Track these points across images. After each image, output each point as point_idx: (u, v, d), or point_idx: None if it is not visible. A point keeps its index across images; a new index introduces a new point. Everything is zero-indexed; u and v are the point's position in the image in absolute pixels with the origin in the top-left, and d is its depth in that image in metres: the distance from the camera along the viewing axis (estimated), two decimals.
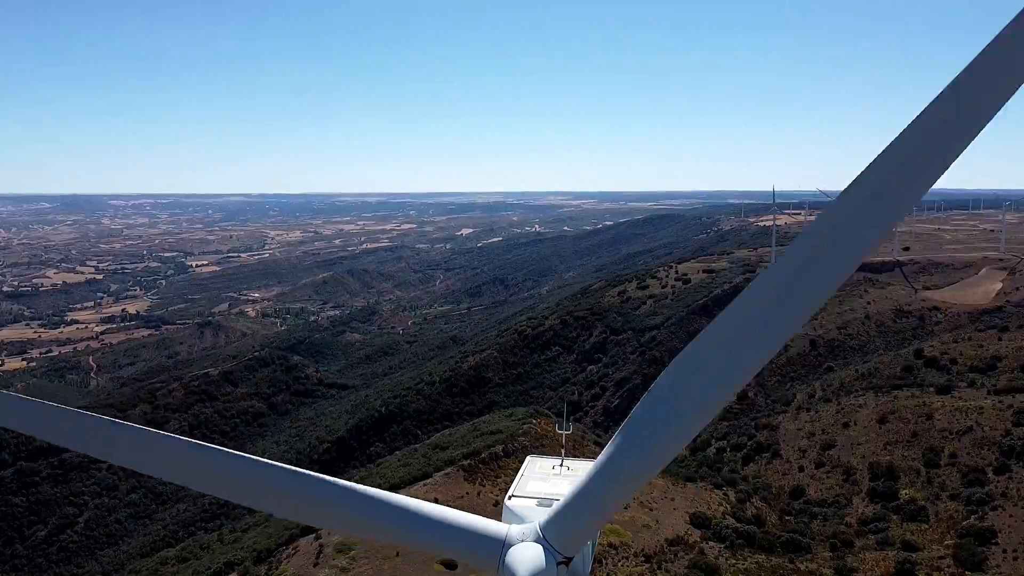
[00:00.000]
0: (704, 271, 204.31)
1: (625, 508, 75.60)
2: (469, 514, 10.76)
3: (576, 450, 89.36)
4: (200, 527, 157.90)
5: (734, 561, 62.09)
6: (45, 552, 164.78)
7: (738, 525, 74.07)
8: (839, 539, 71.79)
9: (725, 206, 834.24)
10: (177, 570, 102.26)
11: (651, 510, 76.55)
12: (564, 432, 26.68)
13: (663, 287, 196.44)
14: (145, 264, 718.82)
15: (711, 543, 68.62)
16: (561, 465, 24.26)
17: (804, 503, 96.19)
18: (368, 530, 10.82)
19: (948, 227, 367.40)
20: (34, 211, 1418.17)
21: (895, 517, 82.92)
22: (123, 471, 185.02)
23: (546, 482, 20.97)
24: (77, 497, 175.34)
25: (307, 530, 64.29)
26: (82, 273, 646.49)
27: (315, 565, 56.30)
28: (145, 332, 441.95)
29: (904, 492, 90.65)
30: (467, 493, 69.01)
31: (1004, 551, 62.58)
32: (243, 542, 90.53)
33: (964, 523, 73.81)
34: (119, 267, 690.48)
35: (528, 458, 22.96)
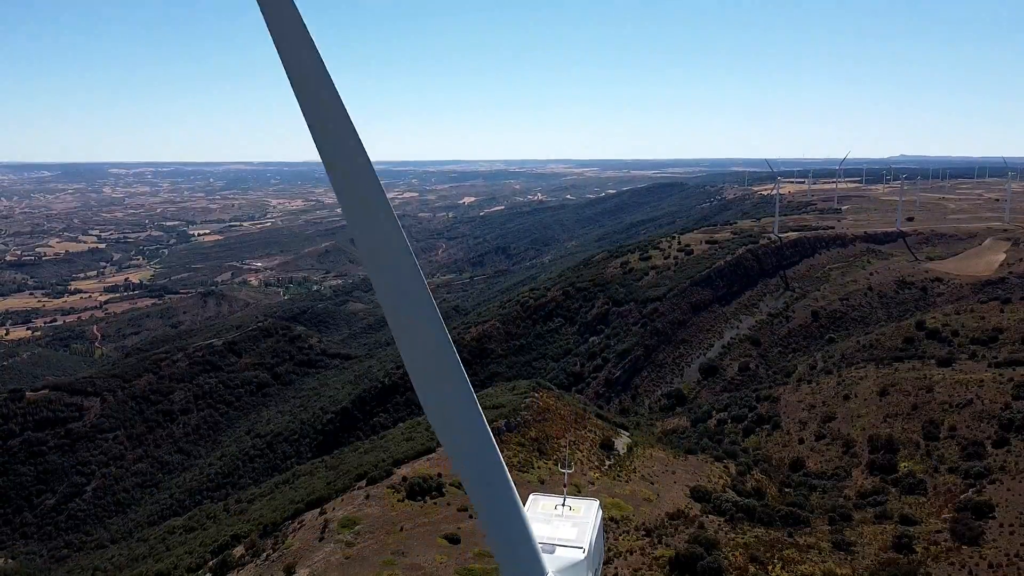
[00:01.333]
0: (707, 242, 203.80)
1: (626, 482, 76.50)
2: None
3: (578, 423, 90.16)
4: (206, 496, 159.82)
5: (733, 535, 62.89)
6: (54, 520, 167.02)
7: (738, 499, 74.88)
8: (838, 512, 72.59)
9: (729, 174, 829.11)
10: (184, 539, 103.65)
11: (652, 483, 77.39)
12: (566, 471, 26.95)
13: (665, 258, 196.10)
14: (147, 233, 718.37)
15: (711, 516, 69.44)
16: (563, 504, 24.51)
17: (804, 475, 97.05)
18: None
19: (953, 196, 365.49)
20: (35, 180, 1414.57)
21: (894, 490, 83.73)
22: (129, 440, 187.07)
23: (548, 524, 21.28)
24: (84, 466, 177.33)
25: (312, 504, 65.20)
26: (84, 242, 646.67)
27: (320, 540, 57.13)
28: (148, 301, 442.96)
29: (903, 465, 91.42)
30: None
31: (1001, 525, 63.23)
32: (249, 514, 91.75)
33: (962, 496, 74.51)
34: (121, 236, 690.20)
35: (531, 496, 23.22)
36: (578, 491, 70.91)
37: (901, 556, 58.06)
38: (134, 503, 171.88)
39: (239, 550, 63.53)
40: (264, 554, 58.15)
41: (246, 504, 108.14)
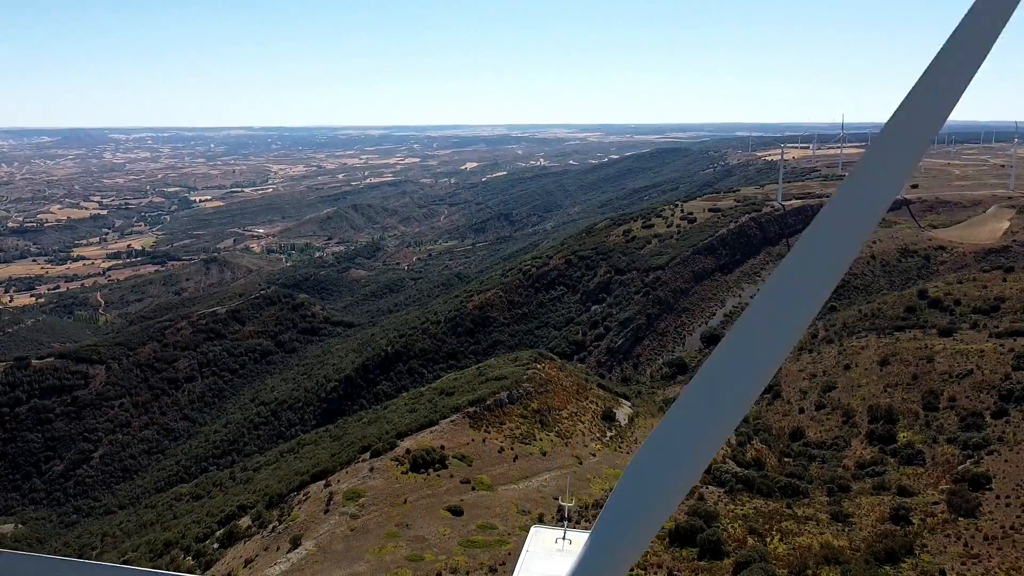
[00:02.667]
0: (710, 210, 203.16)
1: (627, 453, 77.25)
2: None
3: (580, 394, 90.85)
4: (212, 463, 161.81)
5: (733, 507, 63.70)
6: (63, 486, 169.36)
7: (738, 470, 75.69)
8: (836, 483, 73.38)
9: (732, 139, 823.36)
10: (191, 507, 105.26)
11: None
12: (567, 504, 27.19)
13: (668, 226, 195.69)
14: (149, 199, 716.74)
15: (711, 487, 70.26)
16: (564, 538, 24.85)
17: (803, 445, 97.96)
18: None
19: (958, 162, 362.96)
20: (35, 145, 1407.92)
21: (892, 460, 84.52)
22: (135, 408, 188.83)
23: (550, 559, 21.54)
24: (91, 433, 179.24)
25: (317, 476, 66.09)
26: (86, 209, 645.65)
27: (325, 512, 58.02)
28: (151, 268, 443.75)
29: (902, 435, 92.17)
30: (472, 440, 70.53)
31: (998, 497, 63.93)
32: (255, 482, 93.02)
33: (960, 467, 75.27)
34: (123, 202, 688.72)
35: (532, 529, 23.45)
36: (579, 462, 71.82)
37: (898, 528, 58.81)
38: (141, 469, 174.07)
39: (245, 520, 64.54)
40: (270, 525, 59.08)
41: (251, 472, 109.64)
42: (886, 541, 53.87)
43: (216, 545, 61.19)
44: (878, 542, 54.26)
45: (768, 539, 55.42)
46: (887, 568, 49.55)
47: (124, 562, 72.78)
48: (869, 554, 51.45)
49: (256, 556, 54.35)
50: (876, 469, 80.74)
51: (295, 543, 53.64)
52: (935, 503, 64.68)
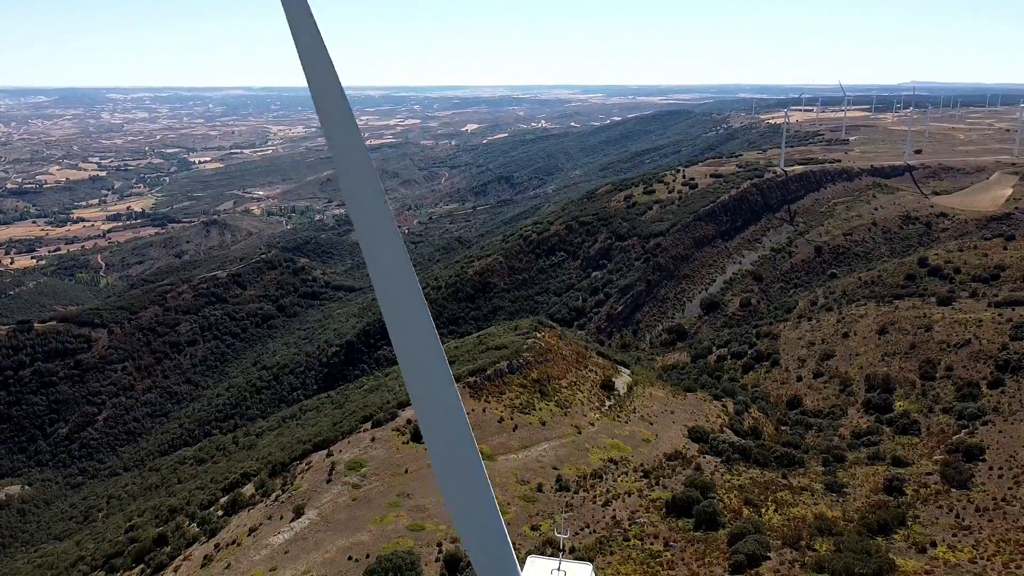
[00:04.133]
0: (711, 175, 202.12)
1: (626, 423, 78.08)
2: None
3: (579, 363, 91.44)
4: (215, 426, 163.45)
5: (729, 477, 64.58)
6: (68, 448, 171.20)
7: (735, 439, 76.55)
8: (832, 454, 74.25)
9: (736, 101, 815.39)
10: (196, 472, 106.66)
11: (651, 424, 79.00)
12: (562, 536, 27.67)
13: (670, 192, 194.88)
14: (147, 160, 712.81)
15: (708, 457, 71.13)
16: (559, 570, 25.34)
17: (800, 414, 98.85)
18: None
19: (963, 126, 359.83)
20: (32, 105, 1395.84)
21: (888, 430, 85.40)
22: (138, 371, 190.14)
23: None
24: (95, 396, 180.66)
25: (319, 446, 66.89)
26: (85, 170, 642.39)
27: (328, 481, 58.89)
28: (151, 230, 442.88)
29: (899, 404, 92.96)
30: (472, 410, 71.19)
31: (991, 468, 64.77)
32: (257, 449, 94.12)
33: (954, 438, 76.11)
34: (122, 164, 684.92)
35: (529, 559, 23.95)
36: (578, 432, 72.61)
37: (891, 498, 59.70)
38: (145, 432, 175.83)
39: (249, 488, 65.52)
40: (273, 494, 60.00)
41: (254, 438, 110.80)
42: (879, 512, 54.74)
43: (220, 513, 62.21)
44: (871, 513, 55.14)
45: (763, 510, 56.32)
46: (879, 539, 50.42)
47: (130, 527, 74.14)
48: (862, 525, 52.33)
49: (260, 525, 55.31)
50: (872, 439, 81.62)
51: (298, 512, 54.57)
52: (929, 474, 65.54)
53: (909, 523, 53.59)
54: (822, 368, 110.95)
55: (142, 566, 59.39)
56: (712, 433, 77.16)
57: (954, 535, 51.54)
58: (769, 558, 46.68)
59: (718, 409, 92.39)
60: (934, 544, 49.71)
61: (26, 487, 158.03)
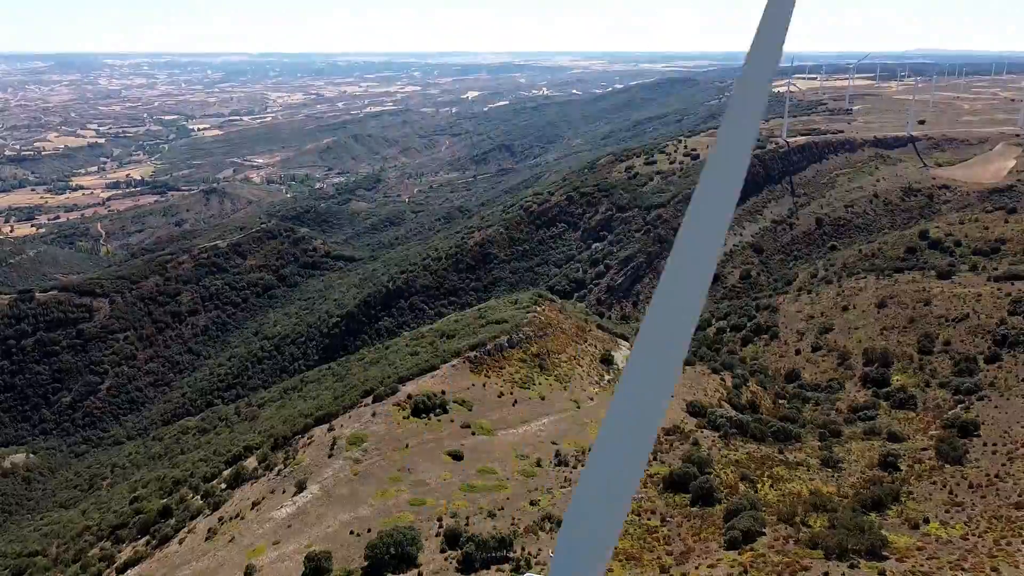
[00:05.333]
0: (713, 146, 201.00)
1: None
2: None
3: (579, 337, 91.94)
4: (217, 396, 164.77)
5: (726, 452, 65.31)
6: (71, 417, 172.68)
7: (732, 414, 77.22)
8: (828, 428, 74.97)
9: (739, 69, 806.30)
10: (199, 442, 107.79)
11: None
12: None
13: (671, 163, 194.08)
14: (146, 128, 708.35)
15: (706, 432, 71.83)
16: None
17: (798, 387, 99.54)
18: None
19: (968, 96, 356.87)
20: (29, 71, 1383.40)
21: (885, 404, 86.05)
22: (139, 341, 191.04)
23: None
24: (97, 366, 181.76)
25: (320, 420, 67.59)
26: (83, 137, 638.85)
27: (330, 456, 59.62)
28: (151, 198, 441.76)
29: (896, 379, 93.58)
30: (472, 384, 71.83)
31: (985, 444, 65.42)
32: (260, 421, 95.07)
33: (950, 413, 76.75)
34: (120, 131, 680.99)
35: None
36: (577, 406, 73.28)
37: (886, 474, 60.43)
38: (148, 401, 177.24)
39: (252, 462, 66.34)
40: (276, 468, 60.77)
41: (256, 409, 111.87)
42: (873, 488, 55.44)
43: (224, 486, 63.06)
44: (866, 489, 55.86)
45: (759, 485, 57.06)
46: (873, 515, 51.13)
47: (135, 499, 75.17)
48: (856, 501, 53.03)
49: (263, 499, 56.13)
50: (868, 413, 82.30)
51: (300, 487, 55.34)
52: (924, 449, 66.26)
53: (903, 499, 54.33)
54: (821, 341, 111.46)
55: (147, 537, 60.37)
56: (710, 407, 77.84)
57: (947, 511, 52.28)
58: (764, 534, 47.41)
59: (716, 383, 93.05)
60: (927, 520, 50.45)
61: (31, 455, 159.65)
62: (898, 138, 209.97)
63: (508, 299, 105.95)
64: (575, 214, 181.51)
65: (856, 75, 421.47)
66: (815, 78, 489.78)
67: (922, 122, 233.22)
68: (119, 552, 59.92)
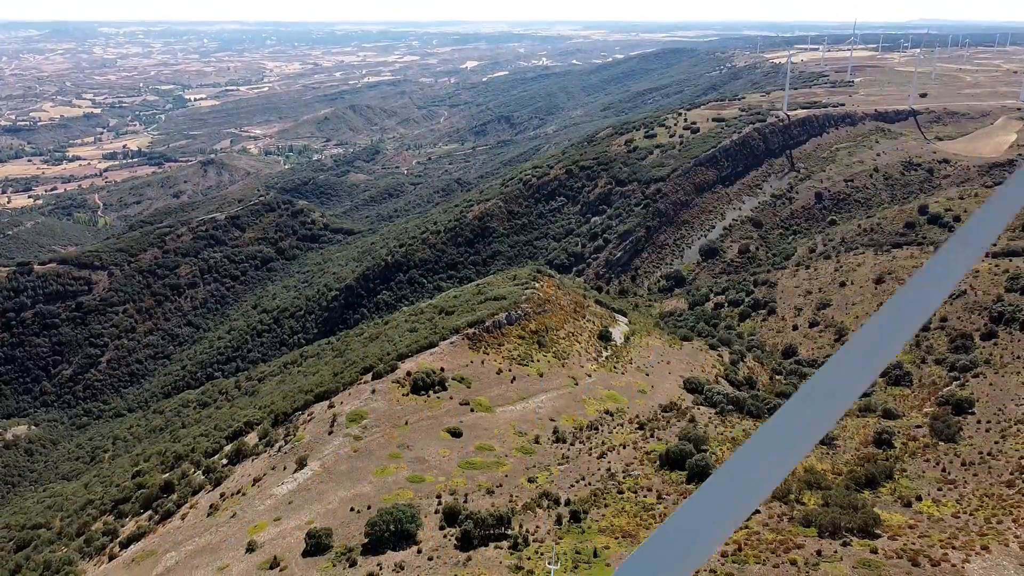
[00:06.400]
0: (713, 119, 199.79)
1: (622, 374, 79.26)
2: None
3: (577, 313, 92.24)
4: (217, 369, 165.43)
5: (723, 429, 65.94)
6: (72, 389, 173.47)
7: (729, 390, 77.79)
8: None
9: (740, 39, 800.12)
10: (199, 416, 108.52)
11: (647, 374, 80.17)
12: (553, 567, 28.26)
13: (671, 136, 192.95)
14: (142, 97, 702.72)
15: (702, 408, 72.47)
16: None
17: (795, 363, 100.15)
18: None
19: (970, 68, 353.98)
20: (23, 39, 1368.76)
21: (880, 380, 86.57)
22: (139, 314, 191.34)
23: None
24: (97, 339, 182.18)
25: (320, 397, 68.05)
26: (79, 107, 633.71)
27: (330, 433, 60.15)
28: (148, 169, 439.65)
29: None
30: (471, 361, 72.23)
31: (979, 421, 66.06)
32: (260, 395, 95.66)
33: (945, 390, 77.36)
34: (116, 100, 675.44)
35: None
36: (575, 383, 73.77)
37: (880, 451, 61.13)
38: (148, 374, 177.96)
39: (252, 438, 66.91)
40: (276, 444, 61.34)
41: (256, 383, 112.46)
42: (867, 466, 56.11)
43: (225, 461, 63.69)
44: (860, 466, 56.52)
45: None
46: (866, 493, 51.83)
47: (137, 473, 75.90)
48: (850, 479, 53.70)
49: (264, 475, 56.75)
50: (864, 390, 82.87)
51: (301, 463, 55.92)
52: (918, 426, 66.94)
53: (896, 476, 55.02)
54: (818, 317, 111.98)
55: (150, 512, 61.09)
56: (707, 384, 78.39)
57: (939, 489, 52.98)
58: (759, 511, 48.02)
59: (714, 359, 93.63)
60: (919, 498, 51.15)
61: (33, 427, 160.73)
62: (899, 111, 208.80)
63: (507, 275, 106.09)
64: (574, 188, 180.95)
65: (858, 46, 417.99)
66: (817, 49, 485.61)
67: (924, 95, 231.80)
68: (122, 527, 60.69)
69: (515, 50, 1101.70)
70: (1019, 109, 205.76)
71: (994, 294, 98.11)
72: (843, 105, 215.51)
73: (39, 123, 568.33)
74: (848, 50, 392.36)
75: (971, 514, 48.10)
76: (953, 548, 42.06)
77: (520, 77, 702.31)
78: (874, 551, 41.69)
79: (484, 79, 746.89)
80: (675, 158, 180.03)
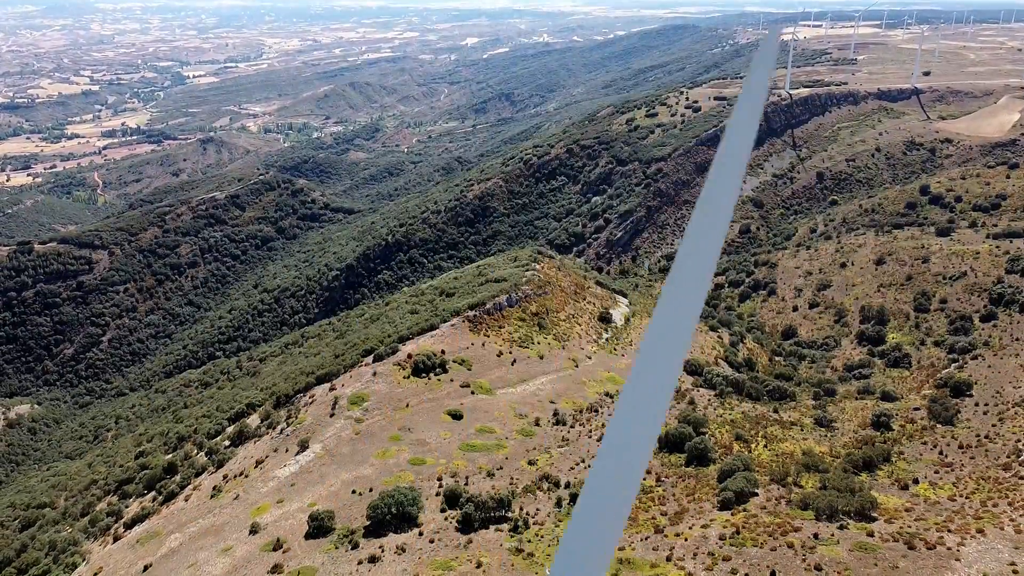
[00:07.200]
0: (715, 98, 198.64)
1: (622, 355, 79.50)
2: None
3: (578, 295, 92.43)
4: (218, 348, 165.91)
5: (722, 411, 66.31)
6: (74, 368, 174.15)
7: (728, 373, 78.10)
8: (823, 387, 75.92)
9: (743, 15, 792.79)
10: (201, 396, 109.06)
11: None
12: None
13: (672, 115, 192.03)
14: (141, 74, 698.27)
15: (702, 390, 72.82)
16: None
17: (795, 344, 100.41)
18: None
19: (974, 45, 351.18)
20: (20, 15, 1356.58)
21: (879, 362, 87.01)
22: (140, 293, 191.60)
23: None
24: (99, 318, 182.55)
25: (322, 379, 68.41)
26: (77, 84, 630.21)
27: (331, 415, 60.54)
28: (147, 147, 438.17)
29: (891, 336, 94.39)
30: (472, 344, 72.49)
31: (977, 404, 66.36)
32: (261, 376, 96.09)
33: (944, 372, 77.62)
34: (114, 77, 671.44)
35: None
36: (575, 365, 74.09)
37: (878, 434, 61.51)
38: (149, 353, 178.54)
39: (254, 419, 67.36)
40: (279, 427, 61.77)
41: (258, 363, 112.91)
42: (865, 449, 56.50)
43: (227, 443, 64.16)
44: (857, 449, 56.93)
45: (753, 445, 58.10)
46: (863, 476, 52.26)
47: (140, 453, 76.49)
48: (847, 462, 54.08)
49: (267, 457, 57.21)
50: (863, 372, 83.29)
51: (303, 446, 56.35)
52: (916, 409, 67.26)
53: (894, 459, 55.42)
54: (818, 298, 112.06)
55: (153, 493, 61.66)
56: (707, 366, 78.67)
57: (936, 472, 53.38)
58: (757, 495, 48.48)
59: (713, 340, 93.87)
60: (916, 481, 51.55)
61: (35, 406, 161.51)
62: (902, 90, 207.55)
63: (507, 256, 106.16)
64: (575, 167, 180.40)
65: (862, 22, 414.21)
66: (820, 25, 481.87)
67: (927, 73, 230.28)
68: (126, 507, 61.27)
69: (516, 26, 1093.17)
70: (1022, 88, 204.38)
71: (994, 275, 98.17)
72: (846, 83, 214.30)
73: (37, 100, 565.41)
74: (852, 27, 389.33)
75: (967, 497, 48.53)
76: (949, 531, 42.49)
77: (521, 54, 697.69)
78: (871, 534, 42.13)
79: (484, 56, 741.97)
80: (676, 137, 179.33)
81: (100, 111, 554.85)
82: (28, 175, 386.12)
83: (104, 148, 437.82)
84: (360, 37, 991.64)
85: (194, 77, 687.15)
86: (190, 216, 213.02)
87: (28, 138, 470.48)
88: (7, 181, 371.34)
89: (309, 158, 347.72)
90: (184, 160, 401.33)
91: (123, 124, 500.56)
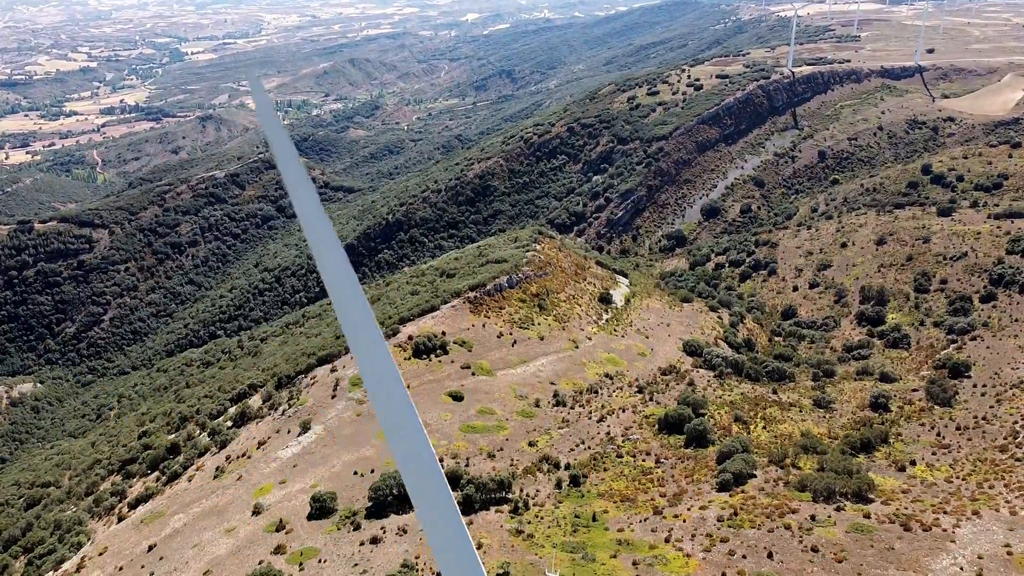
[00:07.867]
0: (717, 76, 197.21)
1: (622, 336, 79.72)
2: None
3: (578, 275, 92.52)
4: (219, 327, 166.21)
5: (721, 392, 66.64)
6: (76, 347, 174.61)
7: (728, 353, 78.31)
8: (822, 368, 76.17)
9: None
10: (203, 376, 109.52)
11: (647, 337, 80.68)
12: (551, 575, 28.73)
13: (674, 93, 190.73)
14: (139, 51, 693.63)
15: (702, 371, 73.14)
16: None
17: (794, 324, 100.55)
18: None
19: (979, 21, 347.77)
20: None
21: (879, 343, 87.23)
22: (140, 272, 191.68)
23: None
24: (100, 297, 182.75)
25: (323, 360, 68.64)
26: (75, 60, 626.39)
27: (333, 397, 60.88)
28: (146, 125, 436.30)
29: (891, 317, 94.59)
30: (472, 325, 72.69)
31: (975, 385, 66.64)
32: (263, 356, 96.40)
33: (943, 352, 77.84)
34: (112, 54, 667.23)
35: None
36: (576, 346, 74.33)
37: (876, 415, 61.89)
38: (150, 332, 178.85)
39: (256, 400, 67.72)
40: (280, 408, 62.13)
41: (259, 343, 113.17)
42: (863, 430, 56.87)
43: (229, 424, 64.57)
44: (855, 431, 57.29)
45: (752, 427, 58.49)
46: (861, 457, 52.66)
47: (143, 433, 76.97)
48: (845, 443, 54.50)
49: (269, 438, 57.61)
50: (862, 352, 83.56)
51: (305, 427, 56.73)
52: (914, 390, 67.60)
53: (891, 441, 55.83)
54: (818, 278, 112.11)
55: (157, 473, 62.16)
56: (706, 347, 78.95)
57: (933, 453, 53.80)
58: (755, 476, 48.91)
59: (713, 320, 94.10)
60: (913, 463, 51.98)
61: (38, 384, 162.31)
62: (905, 68, 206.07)
63: (508, 236, 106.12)
64: (576, 146, 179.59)
65: None
66: (823, 1, 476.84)
67: (931, 51, 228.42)
68: (130, 487, 61.79)
69: (517, 1, 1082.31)
70: None
71: (995, 256, 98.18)
72: (848, 61, 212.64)
73: (35, 77, 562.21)
74: (856, 2, 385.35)
75: (964, 479, 48.95)
76: (945, 513, 42.92)
77: (522, 30, 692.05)
78: (867, 516, 42.56)
79: (485, 32, 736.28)
80: (678, 116, 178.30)
81: (98, 88, 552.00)
82: (27, 153, 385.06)
83: (103, 126, 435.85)
84: (359, 13, 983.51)
85: (192, 54, 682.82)
86: (190, 195, 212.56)
87: (26, 115, 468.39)
88: (6, 159, 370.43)
89: (309, 136, 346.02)
90: (183, 138, 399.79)
91: (121, 101, 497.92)
